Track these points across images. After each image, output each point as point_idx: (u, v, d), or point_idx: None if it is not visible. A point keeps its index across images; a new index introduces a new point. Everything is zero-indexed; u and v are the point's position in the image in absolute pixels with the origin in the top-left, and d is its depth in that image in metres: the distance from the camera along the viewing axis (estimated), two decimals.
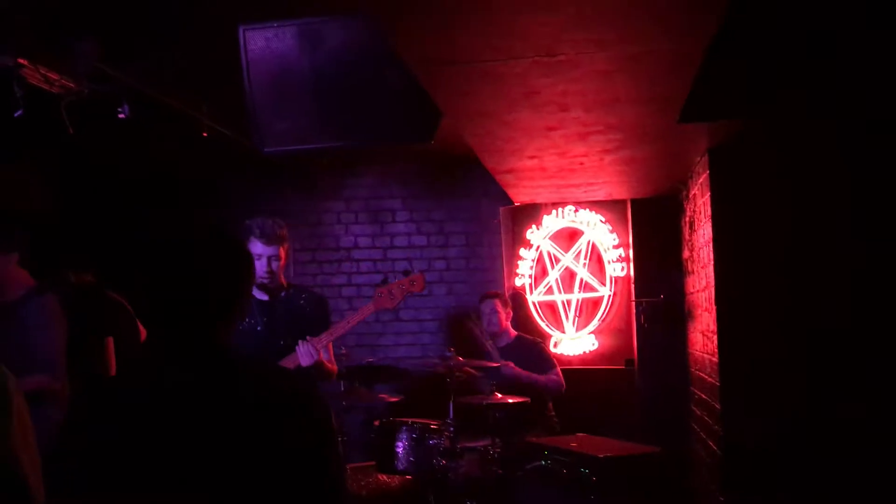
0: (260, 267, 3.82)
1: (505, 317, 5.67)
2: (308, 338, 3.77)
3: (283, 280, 3.99)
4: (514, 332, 5.73)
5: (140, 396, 1.54)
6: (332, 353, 4.08)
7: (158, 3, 3.46)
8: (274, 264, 3.87)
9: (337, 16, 3.38)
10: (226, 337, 1.64)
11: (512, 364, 5.32)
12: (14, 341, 3.34)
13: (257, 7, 3.45)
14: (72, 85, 3.66)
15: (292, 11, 3.43)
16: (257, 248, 3.81)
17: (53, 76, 3.58)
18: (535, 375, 5.38)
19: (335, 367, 4.07)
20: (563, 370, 5.61)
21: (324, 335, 3.84)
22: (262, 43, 3.43)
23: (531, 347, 5.64)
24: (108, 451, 1.47)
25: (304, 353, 3.74)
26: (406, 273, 4.09)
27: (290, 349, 3.81)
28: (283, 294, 3.98)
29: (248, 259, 1.73)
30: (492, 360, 5.38)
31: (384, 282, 4.11)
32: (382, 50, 3.25)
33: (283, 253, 3.90)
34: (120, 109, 3.85)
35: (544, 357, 5.63)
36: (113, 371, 4.22)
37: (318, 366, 3.81)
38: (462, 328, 6.36)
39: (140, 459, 1.48)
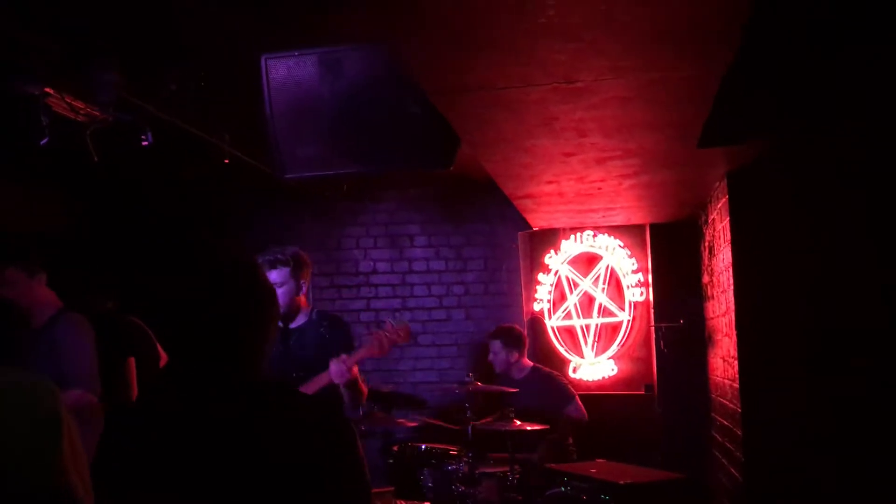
0: None
1: (506, 355, 5.57)
2: (343, 356, 3.68)
3: (302, 304, 3.90)
4: (529, 364, 5.66)
5: (174, 421, 1.56)
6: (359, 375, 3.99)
7: (181, 32, 3.52)
8: (278, 291, 3.76)
9: (357, 44, 3.42)
10: (259, 363, 1.67)
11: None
12: (49, 360, 3.39)
13: (279, 36, 3.50)
14: (96, 113, 3.72)
15: (313, 41, 3.48)
16: None
17: (79, 105, 3.63)
18: (564, 417, 5.37)
19: (364, 387, 3.91)
20: (581, 395, 5.57)
21: (355, 353, 3.70)
22: (283, 71, 3.47)
23: (548, 380, 5.58)
24: (142, 471, 1.50)
25: (338, 372, 3.62)
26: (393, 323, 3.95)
27: (303, 380, 3.69)
28: (304, 321, 3.88)
29: (271, 287, 1.76)
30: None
31: (379, 326, 4.00)
32: (402, 77, 3.29)
33: (287, 278, 3.77)
34: (143, 137, 3.90)
35: (562, 389, 5.56)
36: (136, 391, 4.25)
37: (352, 384, 3.69)
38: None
39: (173, 479, 1.51)
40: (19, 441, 1.20)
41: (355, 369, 3.71)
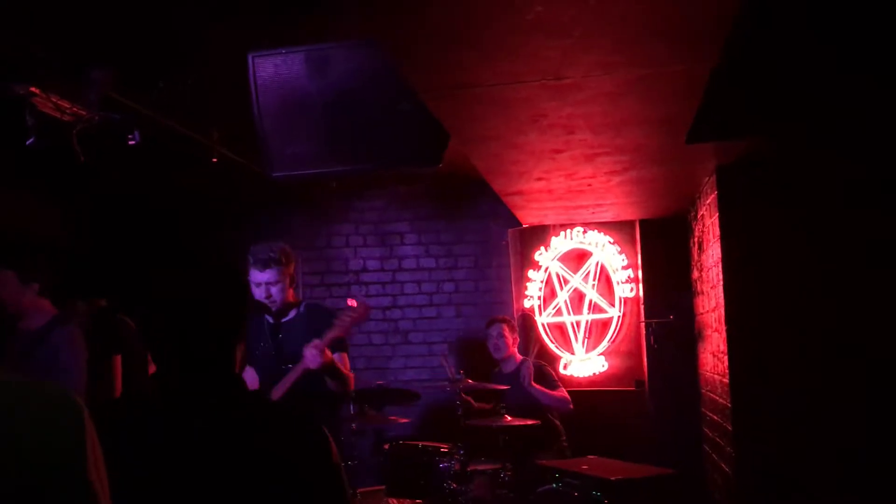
0: (259, 293, 3.78)
1: (511, 342, 5.61)
2: (315, 341, 3.59)
3: (291, 298, 3.89)
4: (519, 357, 5.67)
5: (163, 428, 1.55)
6: (347, 363, 3.87)
7: (168, 31, 3.50)
8: (272, 289, 3.78)
9: (344, 42, 3.41)
10: (233, 367, 1.65)
11: (531, 378, 5.29)
12: (43, 365, 3.39)
13: (266, 35, 3.49)
14: (83, 113, 3.69)
15: (300, 38, 3.46)
16: (255, 276, 3.76)
17: (65, 104, 3.61)
18: (545, 390, 5.34)
19: (350, 373, 3.85)
20: (572, 392, 5.56)
21: (325, 336, 3.63)
22: (270, 70, 3.46)
23: (536, 370, 5.59)
24: (129, 478, 1.49)
25: (311, 357, 3.57)
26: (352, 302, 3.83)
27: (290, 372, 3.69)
28: (292, 314, 3.90)
29: (243, 283, 1.75)
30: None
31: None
32: (390, 74, 3.28)
33: (280, 276, 3.79)
34: (130, 136, 3.88)
35: (549, 378, 5.57)
36: (119, 389, 4.24)
37: (329, 369, 3.64)
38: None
39: (160, 485, 1.51)
40: (46, 450, 1.23)
41: (328, 353, 3.64)
